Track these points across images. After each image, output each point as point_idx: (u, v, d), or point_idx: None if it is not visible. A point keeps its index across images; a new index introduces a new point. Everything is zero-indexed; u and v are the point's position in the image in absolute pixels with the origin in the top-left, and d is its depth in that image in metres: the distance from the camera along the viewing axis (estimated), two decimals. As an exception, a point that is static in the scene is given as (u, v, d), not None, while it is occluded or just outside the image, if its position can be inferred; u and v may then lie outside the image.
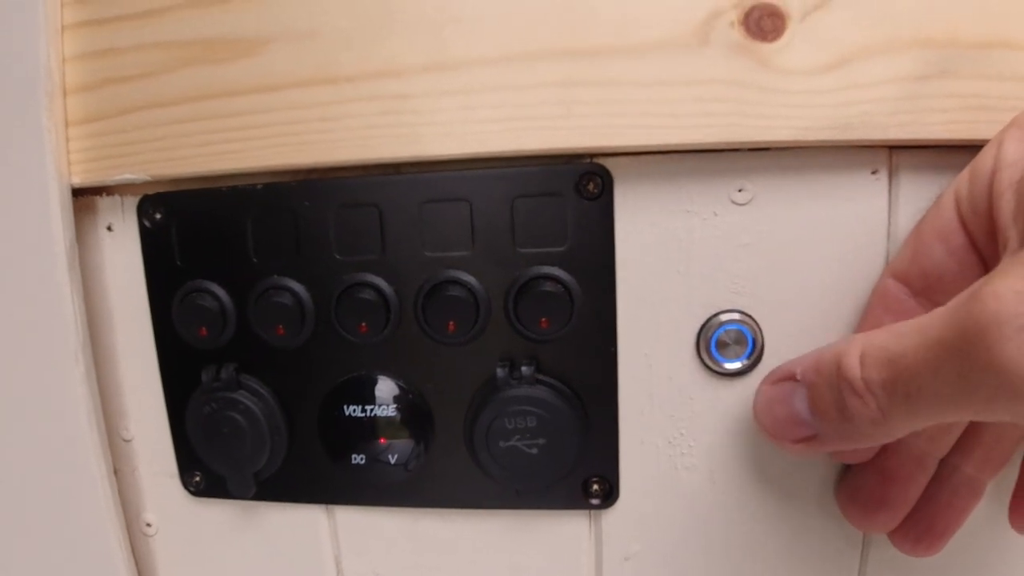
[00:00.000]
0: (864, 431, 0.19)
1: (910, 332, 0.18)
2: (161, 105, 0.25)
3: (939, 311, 0.17)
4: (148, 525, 0.30)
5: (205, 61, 0.25)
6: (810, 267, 0.24)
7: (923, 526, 0.24)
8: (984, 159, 0.20)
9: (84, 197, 0.28)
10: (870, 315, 0.23)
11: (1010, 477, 0.24)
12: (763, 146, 0.23)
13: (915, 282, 0.22)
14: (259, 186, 0.26)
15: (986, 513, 0.25)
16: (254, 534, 0.30)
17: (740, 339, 0.24)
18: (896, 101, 0.22)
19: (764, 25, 0.22)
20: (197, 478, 0.29)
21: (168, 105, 0.25)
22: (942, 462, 0.24)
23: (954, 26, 0.22)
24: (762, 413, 0.22)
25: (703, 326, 0.25)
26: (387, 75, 0.23)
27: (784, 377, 0.22)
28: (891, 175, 0.24)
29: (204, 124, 0.25)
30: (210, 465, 0.28)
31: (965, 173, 0.21)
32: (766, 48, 0.22)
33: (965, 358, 0.16)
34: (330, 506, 0.28)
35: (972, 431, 0.24)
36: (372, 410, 0.26)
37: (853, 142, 0.22)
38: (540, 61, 0.23)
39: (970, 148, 0.21)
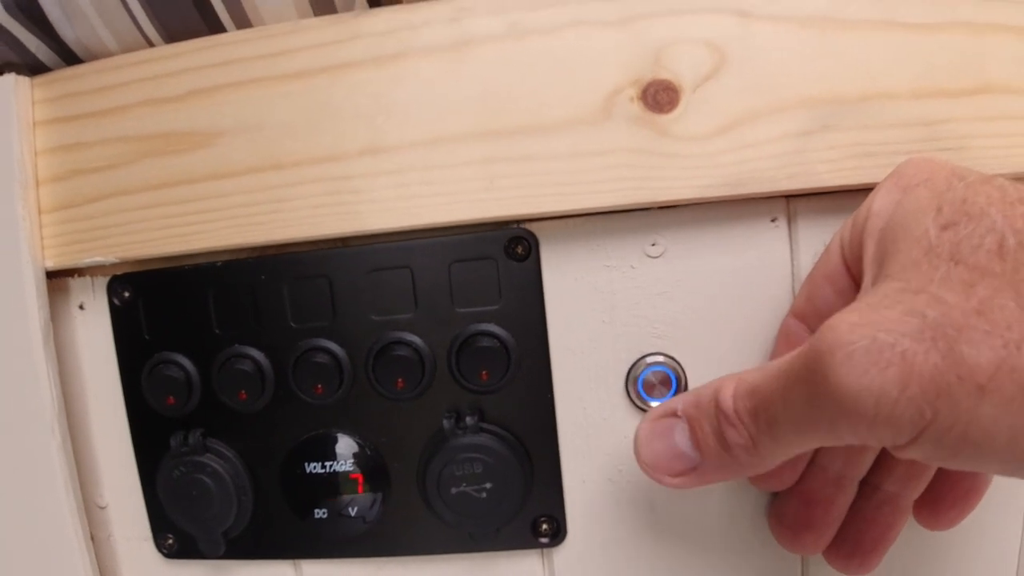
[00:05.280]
0: (740, 459, 0.20)
1: (771, 366, 0.19)
2: (126, 193, 0.27)
3: (799, 348, 0.19)
4: (125, 589, 0.31)
5: (164, 152, 0.27)
6: (723, 309, 0.26)
7: (851, 544, 0.26)
8: (862, 208, 0.22)
9: (57, 279, 0.30)
10: (776, 352, 0.25)
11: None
12: (669, 204, 0.26)
13: (811, 321, 0.24)
14: (219, 263, 0.28)
15: (924, 531, 0.26)
16: (227, 592, 0.31)
17: (665, 379, 0.26)
18: (784, 156, 0.24)
19: (660, 99, 0.25)
20: (170, 540, 0.30)
21: (132, 193, 0.27)
22: (863, 482, 0.25)
23: (833, 85, 0.24)
24: (643, 448, 0.23)
25: (630, 369, 0.27)
26: (329, 160, 0.26)
27: (665, 414, 0.23)
28: (790, 221, 0.26)
29: (166, 209, 0.27)
30: (181, 526, 0.29)
31: (848, 221, 0.23)
32: (663, 119, 0.25)
33: (808, 385, 0.17)
34: (297, 561, 0.30)
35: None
36: (332, 466, 0.28)
37: (748, 195, 0.25)
38: (464, 142, 0.25)
39: (862, 191, 0.23)
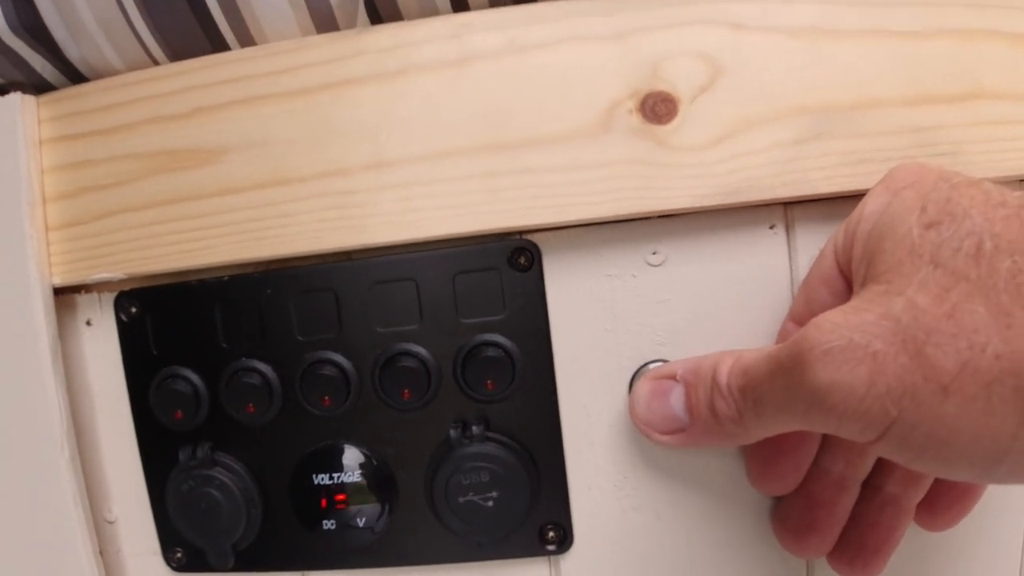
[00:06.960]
0: (726, 429, 0.22)
1: (765, 351, 0.21)
2: (133, 210, 0.28)
3: (789, 340, 0.20)
4: (134, 604, 0.31)
5: (171, 169, 0.27)
6: (723, 316, 0.27)
7: (854, 547, 0.26)
8: (855, 212, 0.23)
9: (64, 295, 0.30)
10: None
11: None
12: (669, 213, 0.26)
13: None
14: (225, 278, 0.28)
15: (928, 535, 0.27)
16: (236, 604, 0.31)
17: (668, 386, 0.27)
18: (779, 164, 0.25)
19: (658, 110, 0.25)
20: (179, 554, 0.30)
21: (139, 210, 0.28)
22: (865, 484, 0.26)
23: (826, 94, 0.25)
24: (640, 405, 0.25)
25: (634, 376, 0.27)
26: (333, 174, 0.26)
27: (664, 376, 0.25)
28: (788, 228, 0.27)
29: (172, 225, 0.27)
30: (190, 540, 0.29)
31: (842, 225, 0.24)
32: (661, 130, 0.25)
33: (790, 375, 0.19)
34: (306, 572, 0.30)
35: None
36: (339, 477, 0.28)
37: (745, 203, 0.25)
38: (467, 156, 0.26)
39: (859, 197, 0.24)
